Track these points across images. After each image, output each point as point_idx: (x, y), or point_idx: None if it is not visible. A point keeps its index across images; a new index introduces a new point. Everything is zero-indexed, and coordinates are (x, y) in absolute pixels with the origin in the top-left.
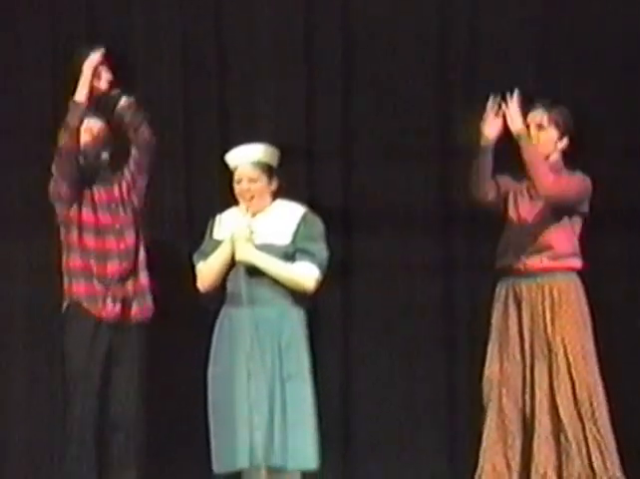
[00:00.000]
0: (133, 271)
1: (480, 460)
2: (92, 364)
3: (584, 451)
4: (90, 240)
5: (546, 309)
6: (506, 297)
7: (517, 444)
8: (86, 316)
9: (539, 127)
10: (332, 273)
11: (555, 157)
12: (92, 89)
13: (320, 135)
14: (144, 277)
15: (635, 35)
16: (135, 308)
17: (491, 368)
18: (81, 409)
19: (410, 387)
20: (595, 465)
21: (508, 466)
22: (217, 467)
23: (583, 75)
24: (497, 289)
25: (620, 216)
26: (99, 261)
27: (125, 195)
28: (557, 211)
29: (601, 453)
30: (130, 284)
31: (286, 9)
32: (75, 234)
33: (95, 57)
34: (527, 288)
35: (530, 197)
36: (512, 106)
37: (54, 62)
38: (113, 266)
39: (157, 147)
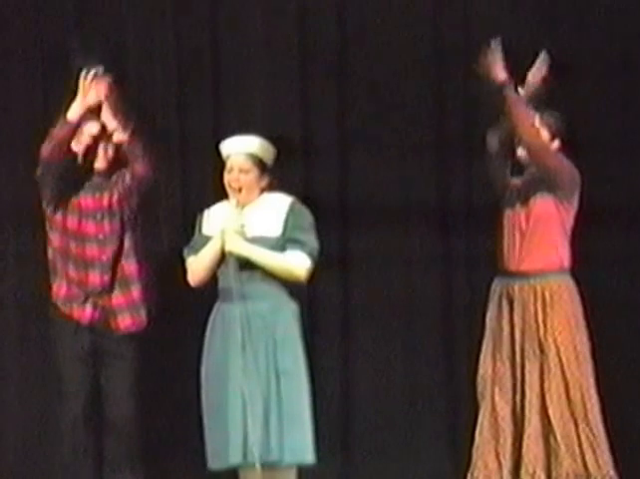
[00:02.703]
0: (120, 283)
1: (473, 457)
2: (74, 366)
3: (577, 451)
4: (71, 246)
5: (538, 310)
6: (500, 297)
7: (509, 443)
8: (66, 319)
9: None
10: (330, 268)
11: None
12: (86, 107)
13: (317, 130)
14: (136, 290)
15: (635, 33)
16: (126, 320)
17: (485, 367)
18: (69, 410)
19: (409, 383)
20: (589, 464)
21: (500, 464)
22: (212, 463)
23: (582, 73)
24: (492, 289)
25: (617, 215)
26: (79, 269)
27: (114, 205)
28: (548, 187)
29: (594, 452)
30: (118, 296)
31: (281, 4)
32: (57, 237)
33: (91, 77)
34: (520, 289)
35: (525, 198)
36: (496, 56)
37: (43, 59)
38: (94, 277)
39: (151, 179)
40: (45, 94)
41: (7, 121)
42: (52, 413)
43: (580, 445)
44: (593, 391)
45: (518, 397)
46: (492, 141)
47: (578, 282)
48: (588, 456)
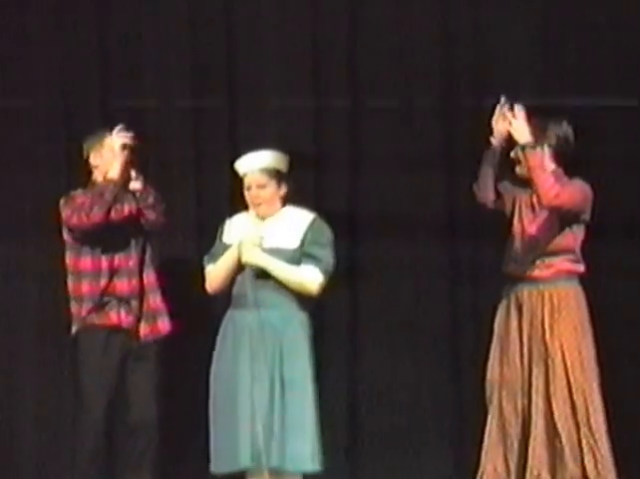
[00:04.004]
0: (143, 291)
1: (482, 461)
2: (102, 373)
3: (578, 456)
4: (101, 262)
5: (545, 315)
6: (509, 303)
7: (516, 446)
8: (97, 331)
9: None
10: (339, 278)
11: (550, 166)
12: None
13: (328, 142)
14: (154, 299)
15: (636, 43)
16: (145, 329)
17: (493, 372)
18: (94, 414)
19: (416, 390)
20: (588, 470)
21: (508, 468)
22: (216, 467)
23: (584, 85)
24: (502, 295)
25: (623, 222)
26: (110, 280)
27: (134, 216)
28: (561, 219)
29: (594, 457)
30: (142, 304)
31: (295, 18)
32: (87, 258)
33: (124, 137)
34: (529, 295)
35: (533, 206)
36: (518, 118)
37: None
38: (122, 284)
39: (162, 226)
40: (67, 110)
41: (28, 130)
42: (69, 414)
43: (581, 450)
44: (597, 397)
45: (525, 401)
46: (485, 192)
47: (586, 289)
48: (587, 461)
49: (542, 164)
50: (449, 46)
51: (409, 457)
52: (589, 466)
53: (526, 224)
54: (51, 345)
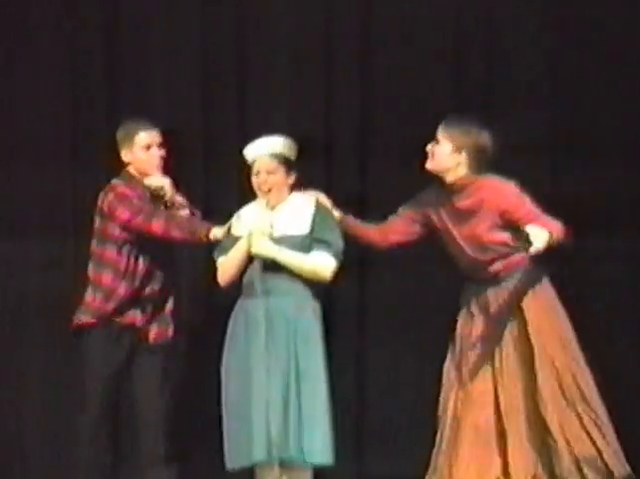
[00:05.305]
0: (157, 295)
1: (432, 463)
2: (112, 368)
3: (583, 434)
4: (126, 261)
5: (515, 311)
6: (470, 304)
7: (470, 450)
8: (108, 325)
9: (437, 142)
10: (348, 268)
11: (462, 171)
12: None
13: (338, 130)
14: (168, 303)
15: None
16: (159, 331)
17: (449, 375)
18: (97, 409)
19: (423, 383)
20: (598, 443)
21: (451, 472)
22: (231, 463)
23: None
24: (463, 297)
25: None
26: (131, 281)
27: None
28: (506, 225)
29: (600, 430)
30: (156, 307)
31: (306, 7)
32: (113, 250)
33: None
34: (493, 293)
35: (457, 211)
36: (540, 236)
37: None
38: (141, 286)
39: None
40: (74, 102)
41: (36, 126)
42: (75, 409)
43: (584, 426)
44: (586, 374)
45: (491, 408)
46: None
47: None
48: (595, 435)
49: (550, 235)
50: (461, 36)
51: (416, 451)
52: (598, 440)
53: (456, 233)
54: (58, 339)
